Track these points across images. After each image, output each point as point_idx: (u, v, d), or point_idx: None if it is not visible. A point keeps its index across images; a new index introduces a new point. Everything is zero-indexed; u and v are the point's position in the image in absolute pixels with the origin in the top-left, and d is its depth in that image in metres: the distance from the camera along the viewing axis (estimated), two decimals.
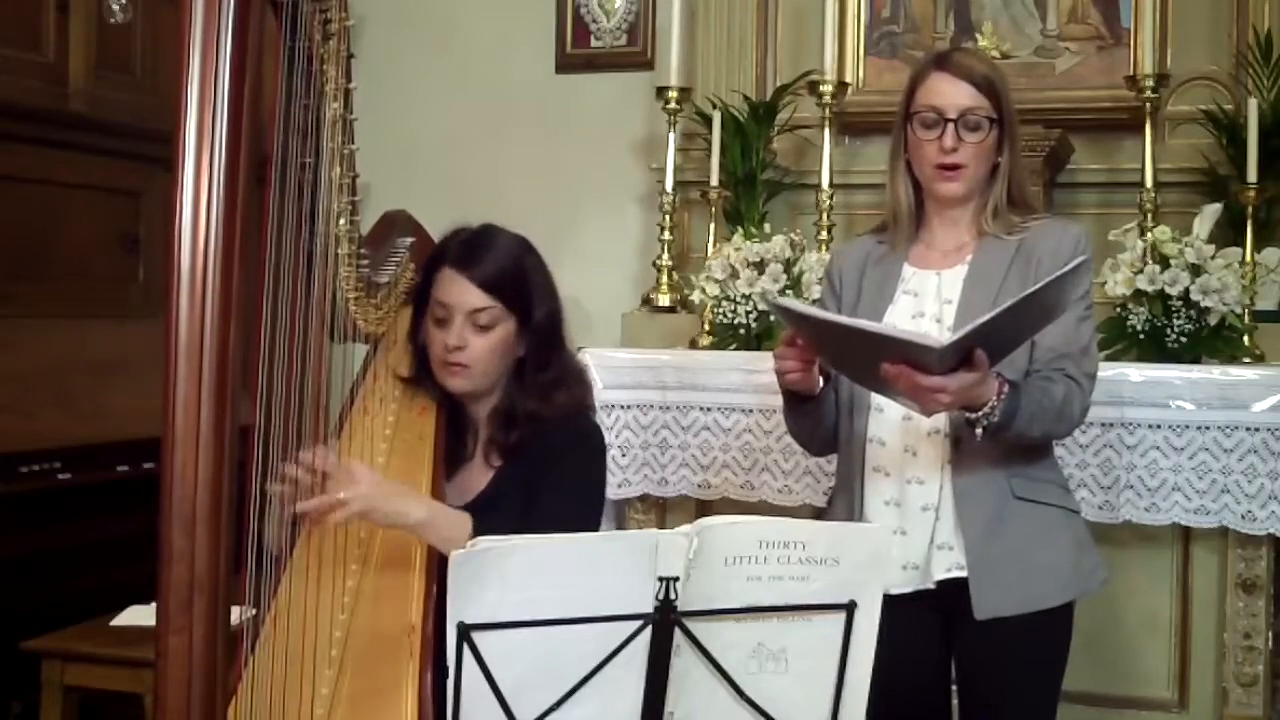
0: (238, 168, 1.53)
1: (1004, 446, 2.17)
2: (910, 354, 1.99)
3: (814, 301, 3.04)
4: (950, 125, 2.23)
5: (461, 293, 2.17)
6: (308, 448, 1.97)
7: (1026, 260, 2.25)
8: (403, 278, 2.31)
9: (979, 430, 2.10)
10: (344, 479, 1.97)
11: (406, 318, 2.31)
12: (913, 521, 2.22)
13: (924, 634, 2.25)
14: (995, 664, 2.24)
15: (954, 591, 2.20)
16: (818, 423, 2.33)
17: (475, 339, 2.17)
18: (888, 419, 2.25)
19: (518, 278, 2.21)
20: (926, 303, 2.28)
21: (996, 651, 2.22)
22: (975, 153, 2.25)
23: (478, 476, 2.25)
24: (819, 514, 2.93)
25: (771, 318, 3.37)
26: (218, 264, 1.52)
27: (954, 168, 2.25)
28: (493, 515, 2.08)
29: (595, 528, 2.27)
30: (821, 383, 2.24)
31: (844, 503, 2.33)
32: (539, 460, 2.19)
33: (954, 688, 2.36)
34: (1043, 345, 2.19)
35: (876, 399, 2.23)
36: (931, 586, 2.22)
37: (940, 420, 2.19)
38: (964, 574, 2.20)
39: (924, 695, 2.32)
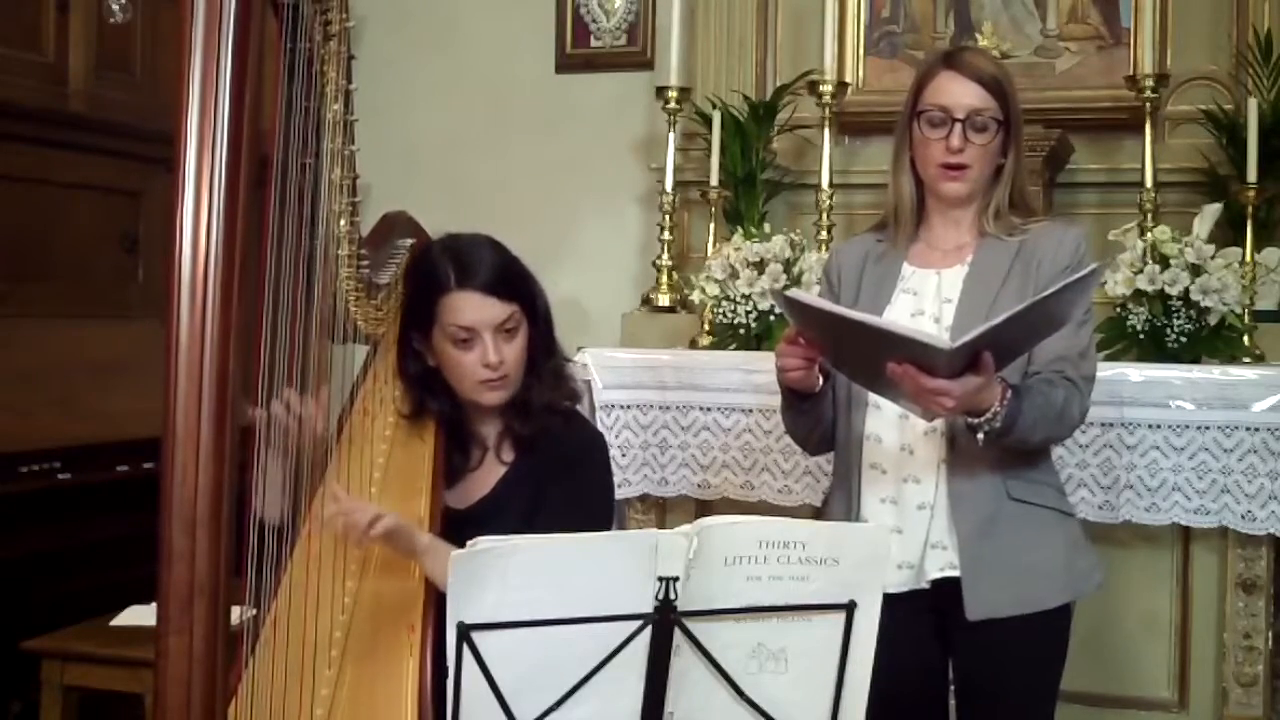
0: (238, 168, 1.53)
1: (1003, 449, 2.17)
2: (918, 354, 1.97)
3: None
4: (958, 125, 2.23)
5: (481, 309, 2.15)
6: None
7: (1027, 262, 2.25)
8: (402, 278, 2.31)
9: (980, 436, 2.10)
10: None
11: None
12: (909, 520, 2.22)
13: (921, 633, 2.25)
14: (992, 665, 2.23)
15: (949, 591, 2.20)
16: (816, 421, 2.33)
17: (508, 348, 2.17)
18: (885, 416, 2.25)
19: (514, 272, 2.22)
20: (926, 302, 2.28)
21: (993, 652, 2.22)
22: (981, 154, 2.25)
23: (487, 475, 2.25)
24: (818, 513, 2.93)
25: (772, 317, 3.36)
26: (218, 264, 1.52)
27: (959, 168, 2.25)
28: (500, 518, 2.08)
29: None
30: (821, 381, 2.24)
31: (841, 500, 2.33)
32: (549, 468, 2.19)
33: (952, 688, 2.36)
34: (1042, 348, 2.18)
35: (875, 395, 2.23)
36: (926, 586, 2.22)
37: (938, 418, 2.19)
38: (957, 574, 2.20)
39: (922, 695, 2.31)
